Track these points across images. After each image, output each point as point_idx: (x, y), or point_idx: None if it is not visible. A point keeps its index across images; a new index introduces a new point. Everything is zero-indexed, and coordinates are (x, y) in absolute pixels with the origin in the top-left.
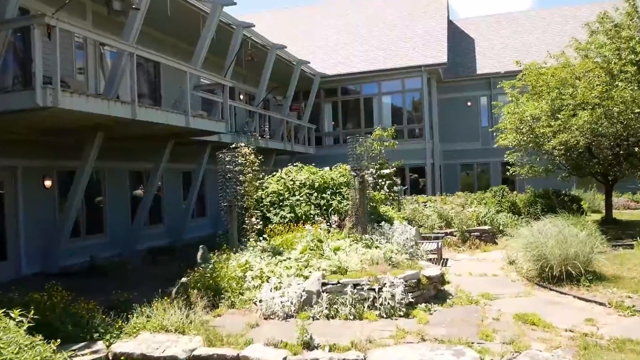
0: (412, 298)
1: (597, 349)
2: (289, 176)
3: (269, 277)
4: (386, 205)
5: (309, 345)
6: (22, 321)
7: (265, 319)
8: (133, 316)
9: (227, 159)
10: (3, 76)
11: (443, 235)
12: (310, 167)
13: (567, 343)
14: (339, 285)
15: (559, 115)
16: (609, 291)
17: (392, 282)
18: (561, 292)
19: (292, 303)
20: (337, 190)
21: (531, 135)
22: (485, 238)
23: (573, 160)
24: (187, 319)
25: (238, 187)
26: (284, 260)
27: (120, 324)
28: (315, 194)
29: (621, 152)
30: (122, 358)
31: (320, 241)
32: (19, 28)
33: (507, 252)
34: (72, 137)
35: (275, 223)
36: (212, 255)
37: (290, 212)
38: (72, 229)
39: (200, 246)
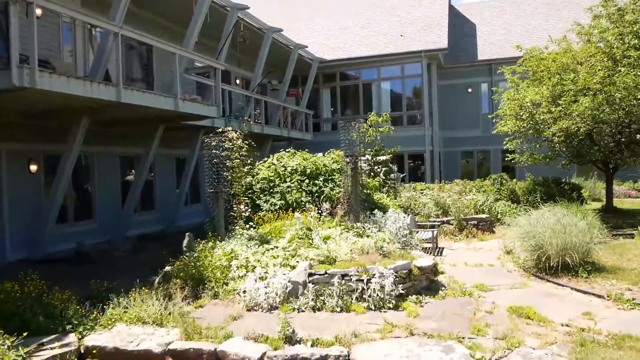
0: (402, 289)
1: (595, 345)
2: (281, 162)
3: (255, 267)
4: (382, 192)
5: (290, 340)
6: None
7: (248, 310)
8: (109, 307)
9: (213, 143)
10: None
11: (439, 223)
12: (303, 153)
13: (562, 339)
14: (326, 275)
15: (559, 101)
16: (608, 283)
17: (382, 273)
18: (558, 284)
19: (277, 294)
20: (330, 177)
21: (531, 122)
22: (483, 227)
23: (573, 147)
24: (165, 310)
25: (225, 174)
26: (272, 249)
27: (95, 315)
28: (307, 181)
29: (622, 139)
30: (94, 352)
31: (310, 229)
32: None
33: (504, 242)
34: (58, 120)
35: (265, 210)
36: (196, 243)
37: (280, 200)
38: (59, 215)
39: (187, 234)
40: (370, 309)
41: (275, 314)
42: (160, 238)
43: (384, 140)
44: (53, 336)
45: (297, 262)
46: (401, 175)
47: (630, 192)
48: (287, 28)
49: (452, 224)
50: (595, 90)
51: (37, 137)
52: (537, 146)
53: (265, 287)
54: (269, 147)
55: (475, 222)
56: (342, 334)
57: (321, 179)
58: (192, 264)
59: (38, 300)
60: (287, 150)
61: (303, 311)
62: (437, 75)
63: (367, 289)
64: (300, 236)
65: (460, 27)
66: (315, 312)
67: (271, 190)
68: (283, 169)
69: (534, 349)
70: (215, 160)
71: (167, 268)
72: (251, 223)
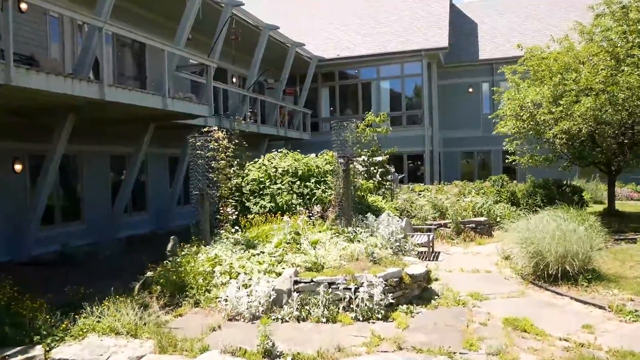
0: (392, 299)
1: None
2: (272, 163)
3: (239, 273)
4: (378, 194)
5: (270, 354)
6: None
7: (229, 320)
8: (81, 316)
9: (198, 143)
10: None
11: (436, 226)
12: (295, 154)
13: (560, 355)
14: (312, 283)
15: (560, 102)
16: (609, 292)
17: (370, 282)
18: (557, 293)
19: (260, 303)
20: (323, 179)
21: (532, 123)
22: (481, 230)
23: (575, 149)
24: (141, 320)
25: (210, 175)
26: (258, 254)
27: (65, 325)
28: (299, 182)
29: (625, 140)
30: None
31: (298, 234)
32: None
33: (503, 247)
34: (42, 118)
35: (255, 213)
36: (179, 248)
37: (270, 202)
38: (45, 216)
39: (171, 237)
40: (358, 320)
41: (257, 325)
42: (152, 239)
43: (383, 141)
44: (18, 348)
45: (284, 268)
46: (400, 176)
47: (633, 194)
48: (286, 26)
49: (449, 227)
50: (598, 90)
51: (22, 135)
52: (538, 147)
53: (248, 296)
54: (265, 147)
55: (474, 225)
56: (325, 348)
57: (313, 180)
58: (173, 269)
59: (6, 309)
60: (279, 150)
61: (287, 321)
62: (438, 74)
63: (355, 299)
64: (288, 241)
65: (462, 26)
66: (299, 322)
67: (261, 192)
68: (274, 170)
69: None
70: (200, 161)
71: (149, 274)
72: (237, 227)
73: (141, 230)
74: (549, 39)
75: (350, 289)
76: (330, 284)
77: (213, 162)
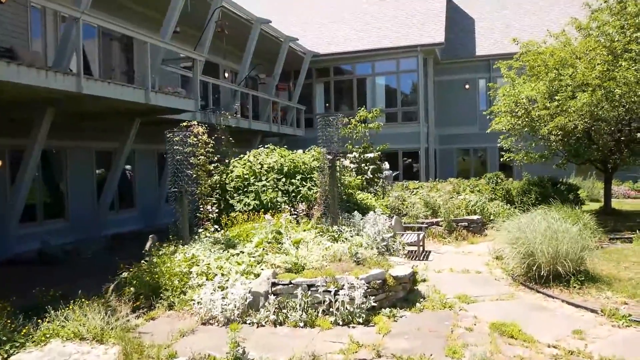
0: (374, 302)
1: None
2: (258, 159)
3: (216, 275)
4: (369, 192)
5: None
6: None
7: (203, 324)
8: (44, 321)
9: (176, 139)
10: None
11: (428, 225)
12: (282, 150)
13: None
14: (290, 286)
15: (556, 97)
16: (602, 295)
17: (352, 284)
18: (549, 295)
19: (235, 306)
20: (309, 176)
21: (526, 119)
22: (474, 229)
23: (570, 146)
24: (108, 325)
25: (189, 171)
26: (237, 254)
27: (27, 329)
28: (284, 179)
29: (622, 137)
30: None
31: (280, 233)
32: None
33: (494, 246)
34: (20, 112)
35: (239, 211)
36: (154, 247)
37: (255, 199)
38: (27, 213)
39: (150, 236)
40: (338, 324)
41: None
42: (138, 237)
43: (377, 138)
44: None
45: (262, 269)
46: (394, 174)
47: (630, 192)
48: (279, 20)
49: (441, 226)
50: (594, 85)
51: (1, 130)
52: (533, 144)
53: (223, 299)
54: (258, 143)
55: (466, 223)
56: (298, 356)
57: (299, 177)
58: (148, 270)
59: None
60: (266, 146)
61: (263, 326)
62: (434, 70)
63: (335, 302)
64: (269, 240)
65: (459, 22)
66: (276, 327)
67: (245, 190)
68: (259, 166)
69: None
70: (178, 156)
71: (125, 274)
72: (216, 226)
73: (128, 227)
74: (546, 33)
75: (330, 291)
76: (309, 286)
77: (192, 158)
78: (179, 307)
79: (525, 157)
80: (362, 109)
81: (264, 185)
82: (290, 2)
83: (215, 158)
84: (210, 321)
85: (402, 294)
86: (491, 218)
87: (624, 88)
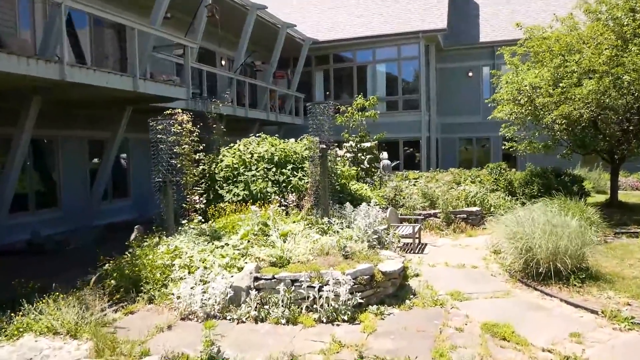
0: (361, 298)
1: None
2: (248, 148)
3: (199, 268)
4: (365, 182)
5: None
6: None
7: (182, 319)
8: (17, 314)
9: (159, 127)
10: None
11: (425, 217)
12: (273, 139)
13: None
14: (273, 280)
15: (560, 84)
16: (603, 295)
17: (337, 279)
18: (546, 294)
19: (215, 302)
20: (300, 165)
21: (530, 107)
22: (473, 221)
23: (575, 135)
24: (83, 319)
25: (173, 161)
26: (222, 246)
27: (1, 323)
28: (274, 169)
29: (630, 127)
30: None
31: (266, 225)
32: None
33: (492, 240)
34: (5, 101)
35: (228, 202)
36: (137, 238)
37: (244, 190)
38: (18, 203)
39: (135, 227)
40: (322, 321)
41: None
42: (132, 227)
43: (378, 126)
44: None
45: (246, 262)
46: (395, 163)
47: (638, 184)
48: (278, 7)
49: (439, 218)
50: (602, 72)
51: None
52: (537, 134)
53: (203, 293)
54: (255, 132)
55: (465, 215)
56: (275, 356)
57: (290, 167)
58: (129, 262)
59: None
60: (257, 135)
61: (244, 322)
62: (436, 57)
63: (319, 298)
64: (255, 232)
65: (462, 7)
66: (257, 323)
67: (235, 180)
68: (250, 156)
69: None
70: (162, 145)
71: (107, 266)
72: (200, 218)
73: (122, 217)
74: (552, 18)
75: (314, 287)
76: (293, 281)
77: (177, 147)
78: (159, 301)
79: (528, 147)
80: (359, 96)
81: (253, 175)
82: None
83: (201, 147)
84: (190, 316)
85: (392, 290)
86: (491, 210)
87: (633, 75)
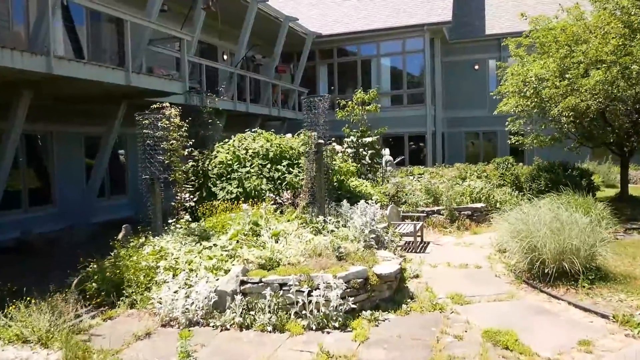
0: (354, 303)
1: None
2: (243, 144)
3: (184, 270)
4: (367, 178)
5: None
6: None
7: (163, 326)
8: None
9: (146, 122)
10: None
11: (428, 214)
12: (268, 134)
13: None
14: (261, 284)
15: (567, 75)
16: (615, 297)
17: (328, 283)
18: (553, 296)
19: (198, 307)
20: (296, 162)
21: (536, 100)
22: (477, 218)
23: (583, 128)
24: (55, 327)
25: (161, 157)
26: (209, 247)
27: None
28: (269, 166)
29: None
30: None
31: (257, 224)
32: None
33: (497, 238)
34: None
35: (221, 199)
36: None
37: (238, 187)
38: (11, 199)
39: (124, 226)
40: (311, 329)
41: (194, 332)
42: (124, 224)
43: (383, 121)
44: None
45: (234, 264)
46: (399, 158)
47: None
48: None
49: (443, 214)
50: (609, 62)
51: None
52: (543, 127)
53: (186, 298)
54: (257, 127)
55: (469, 212)
56: None
57: (285, 163)
58: (109, 264)
59: None
60: (253, 130)
61: (228, 329)
62: (441, 51)
63: (309, 303)
64: (245, 232)
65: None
66: (242, 330)
67: (228, 177)
68: (244, 151)
69: None
70: (148, 141)
71: (89, 268)
72: (188, 217)
73: (120, 214)
74: (558, 9)
75: (303, 291)
76: (281, 285)
77: (164, 142)
78: (141, 305)
79: (535, 141)
80: (359, 90)
81: (247, 172)
82: None
83: (190, 143)
84: (171, 323)
85: (388, 294)
86: (497, 206)
87: None
